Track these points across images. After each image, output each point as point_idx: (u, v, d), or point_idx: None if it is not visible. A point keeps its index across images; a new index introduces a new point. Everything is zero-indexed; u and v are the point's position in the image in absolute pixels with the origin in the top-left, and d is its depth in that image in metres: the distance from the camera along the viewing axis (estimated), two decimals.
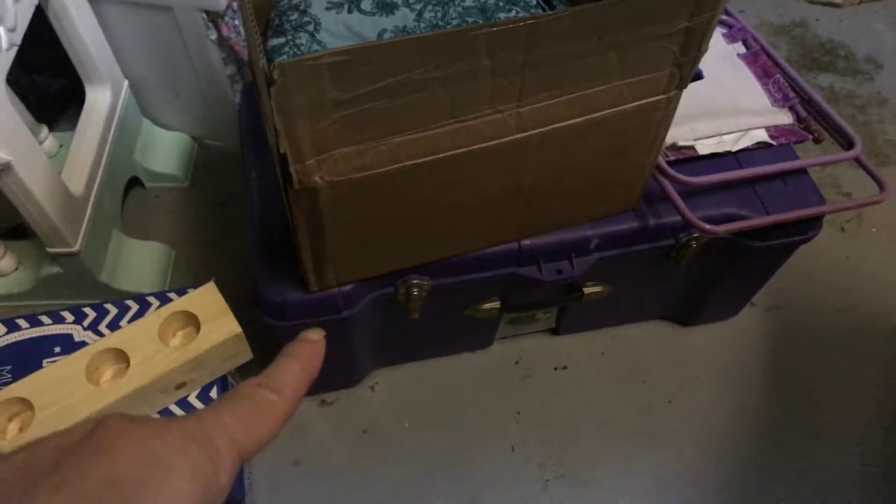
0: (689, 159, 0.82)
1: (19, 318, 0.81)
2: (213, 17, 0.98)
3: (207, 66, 1.04)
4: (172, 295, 0.84)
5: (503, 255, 0.78)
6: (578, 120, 0.63)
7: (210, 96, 1.10)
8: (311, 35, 0.63)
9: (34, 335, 0.80)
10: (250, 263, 0.78)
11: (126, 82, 1.07)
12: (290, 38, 0.63)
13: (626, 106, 0.64)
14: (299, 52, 0.62)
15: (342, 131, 0.55)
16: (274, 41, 0.63)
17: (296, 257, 0.71)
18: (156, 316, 0.74)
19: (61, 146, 1.13)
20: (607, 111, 0.63)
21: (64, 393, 0.69)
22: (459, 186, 0.65)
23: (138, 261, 1.03)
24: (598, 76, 0.60)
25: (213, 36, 1.00)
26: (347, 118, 0.54)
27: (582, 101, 0.61)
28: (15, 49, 0.79)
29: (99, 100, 1.02)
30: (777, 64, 0.92)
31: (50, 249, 0.91)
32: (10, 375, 0.77)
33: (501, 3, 0.67)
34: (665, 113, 0.67)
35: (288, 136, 0.53)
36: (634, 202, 0.79)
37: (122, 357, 0.72)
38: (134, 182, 1.14)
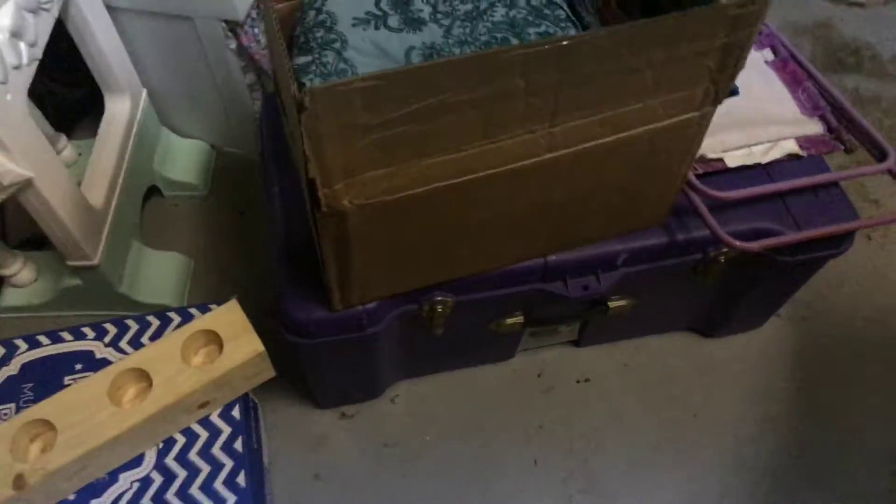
0: (717, 172, 0.81)
1: (39, 334, 0.81)
2: (233, 27, 0.97)
3: (227, 74, 1.03)
4: (194, 311, 0.83)
5: (529, 270, 0.77)
6: (611, 138, 0.61)
7: (229, 105, 1.09)
8: (338, 53, 0.62)
9: (55, 352, 0.79)
10: (272, 275, 0.77)
11: (145, 91, 1.06)
12: (316, 56, 0.62)
13: (660, 124, 0.62)
14: (326, 71, 0.61)
15: (372, 154, 0.54)
16: (300, 59, 0.62)
17: (320, 274, 0.70)
18: (178, 335, 0.73)
19: (80, 155, 1.12)
20: (640, 129, 0.62)
21: (86, 414, 0.68)
22: (489, 205, 0.64)
23: (158, 272, 1.03)
24: (631, 94, 0.58)
25: (233, 45, 0.99)
26: (378, 141, 0.53)
27: (615, 119, 0.60)
28: (36, 64, 0.78)
29: (118, 110, 1.02)
30: (806, 71, 0.89)
31: (69, 262, 0.90)
32: (31, 393, 0.77)
33: (531, 18, 0.65)
34: (698, 129, 0.66)
35: (317, 161, 0.52)
36: (663, 216, 0.78)
37: (144, 376, 0.72)
38: (153, 191, 1.13)
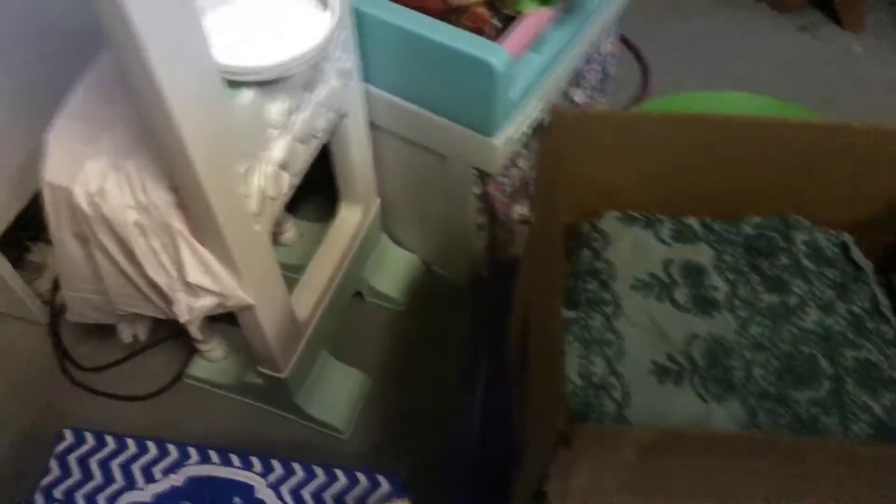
0: None
1: (211, 449, 0.79)
2: (484, 175, 0.92)
3: (462, 211, 0.99)
4: (361, 476, 0.78)
5: None
6: None
7: (453, 234, 1.05)
8: (608, 319, 0.53)
9: (220, 475, 0.77)
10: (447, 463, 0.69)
11: (378, 201, 1.05)
12: (582, 314, 0.54)
13: None
14: (589, 337, 0.52)
15: (620, 483, 0.45)
16: (564, 313, 0.54)
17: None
18: None
19: (301, 236, 1.14)
20: None
21: None
22: None
23: (335, 387, 1.00)
24: None
25: (477, 190, 0.94)
26: (631, 474, 0.44)
27: None
28: (293, 191, 0.77)
29: (349, 217, 1.01)
30: None
31: (259, 367, 0.89)
32: None
33: (849, 335, 0.53)
34: None
35: (560, 486, 0.44)
36: None
37: None
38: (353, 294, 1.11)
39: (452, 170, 0.93)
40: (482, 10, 0.81)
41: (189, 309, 0.74)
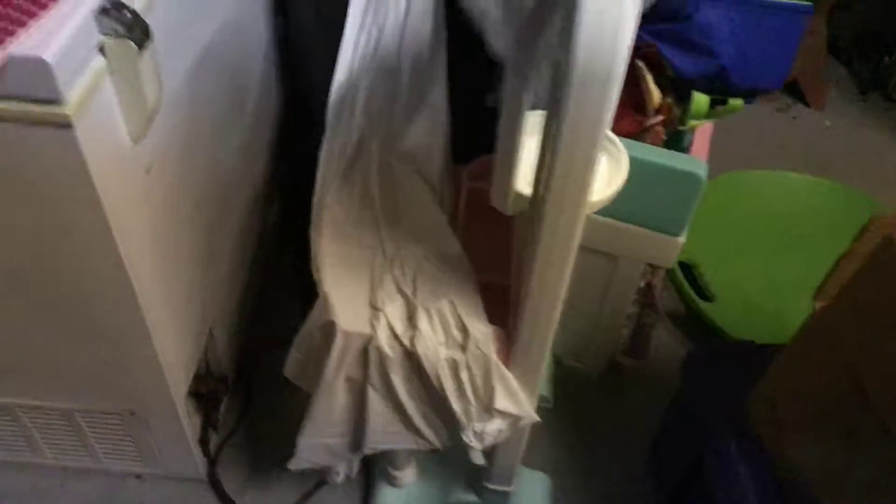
0: None
1: None
2: (653, 269, 1.01)
3: (617, 304, 1.07)
4: None
5: None
6: None
7: (599, 327, 1.12)
8: None
9: None
10: None
11: None
12: None
13: None
14: None
15: None
16: None
17: None
18: None
19: None
20: None
21: None
22: None
23: (530, 493, 1.02)
24: None
25: (641, 283, 1.03)
26: None
27: None
28: None
29: None
30: None
31: (489, 485, 0.91)
32: None
33: None
34: None
35: None
36: None
37: None
38: None
39: (623, 268, 1.01)
40: (661, 129, 0.93)
41: (478, 434, 0.76)
